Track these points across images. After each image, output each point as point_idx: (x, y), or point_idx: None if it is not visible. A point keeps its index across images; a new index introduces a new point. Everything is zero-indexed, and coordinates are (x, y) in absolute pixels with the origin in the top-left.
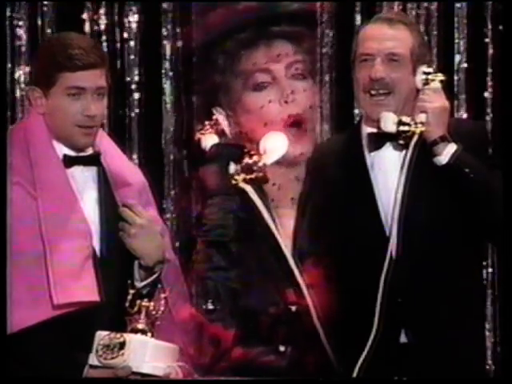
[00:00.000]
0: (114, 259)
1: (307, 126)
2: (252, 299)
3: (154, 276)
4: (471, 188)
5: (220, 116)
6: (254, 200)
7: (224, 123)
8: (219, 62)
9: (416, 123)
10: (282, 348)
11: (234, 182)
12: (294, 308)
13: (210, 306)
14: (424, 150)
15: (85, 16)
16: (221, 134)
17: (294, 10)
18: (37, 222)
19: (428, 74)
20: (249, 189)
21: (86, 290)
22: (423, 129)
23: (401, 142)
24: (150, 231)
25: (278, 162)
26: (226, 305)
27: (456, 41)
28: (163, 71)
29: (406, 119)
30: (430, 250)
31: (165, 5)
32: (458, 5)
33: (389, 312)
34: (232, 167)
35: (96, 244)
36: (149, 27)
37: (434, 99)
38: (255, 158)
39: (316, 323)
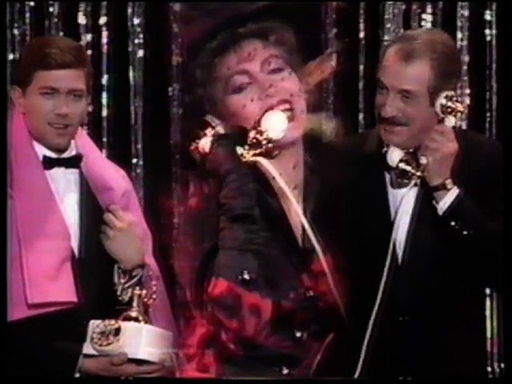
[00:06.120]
0: (95, 261)
1: (295, 110)
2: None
3: (134, 280)
4: (468, 235)
5: (212, 120)
6: (269, 169)
7: (217, 128)
8: (197, 76)
9: (418, 166)
10: (298, 334)
11: (244, 159)
12: (311, 293)
13: (246, 276)
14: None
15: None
16: (216, 136)
17: (257, 8)
18: (14, 222)
19: (450, 99)
20: (263, 160)
21: (62, 290)
22: (423, 174)
23: (399, 180)
24: (129, 235)
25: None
26: (261, 273)
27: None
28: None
29: (409, 160)
30: (433, 276)
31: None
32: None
33: (389, 327)
34: (239, 149)
35: (75, 246)
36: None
37: (441, 144)
38: (258, 135)
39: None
